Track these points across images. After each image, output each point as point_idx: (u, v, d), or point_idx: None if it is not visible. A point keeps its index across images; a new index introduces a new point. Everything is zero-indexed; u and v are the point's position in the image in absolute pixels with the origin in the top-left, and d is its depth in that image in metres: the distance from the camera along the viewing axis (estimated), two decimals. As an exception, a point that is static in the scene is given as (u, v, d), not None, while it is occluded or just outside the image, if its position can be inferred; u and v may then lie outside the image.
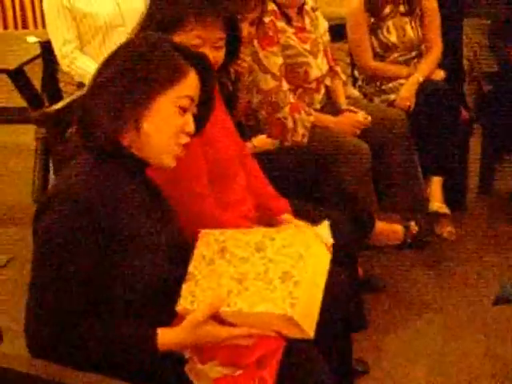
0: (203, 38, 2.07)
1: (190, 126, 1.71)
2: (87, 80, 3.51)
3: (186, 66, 1.70)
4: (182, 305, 1.64)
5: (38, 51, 4.09)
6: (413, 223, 3.12)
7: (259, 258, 1.64)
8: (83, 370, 1.53)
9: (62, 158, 2.32)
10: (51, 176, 4.18)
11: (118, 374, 1.54)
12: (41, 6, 4.44)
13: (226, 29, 2.12)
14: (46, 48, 3.91)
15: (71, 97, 2.59)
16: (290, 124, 3.01)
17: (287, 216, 2.32)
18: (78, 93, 2.58)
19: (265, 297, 1.57)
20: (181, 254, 1.72)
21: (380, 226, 3.03)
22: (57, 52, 3.70)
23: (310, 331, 1.62)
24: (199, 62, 1.75)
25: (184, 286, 1.66)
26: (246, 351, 1.63)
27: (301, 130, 3.03)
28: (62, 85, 4.03)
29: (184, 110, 1.69)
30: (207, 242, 1.72)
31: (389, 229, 3.08)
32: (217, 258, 1.69)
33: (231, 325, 1.62)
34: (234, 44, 2.19)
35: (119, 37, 3.73)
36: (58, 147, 2.40)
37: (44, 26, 3.92)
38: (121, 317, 1.62)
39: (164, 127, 1.68)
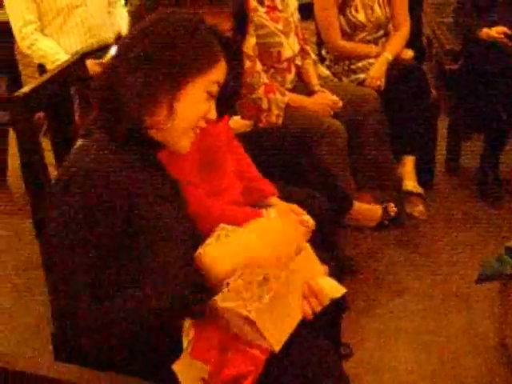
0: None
1: (212, 113, 1.68)
2: (49, 62, 3.49)
3: (219, 51, 1.66)
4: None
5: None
6: (392, 204, 3.11)
7: None
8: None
9: (30, 144, 2.24)
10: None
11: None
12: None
13: (235, 18, 2.12)
14: (4, 29, 3.78)
15: (38, 80, 2.50)
16: (264, 105, 2.97)
17: (275, 199, 2.29)
18: (45, 76, 2.48)
19: (237, 295, 1.56)
20: (198, 242, 1.67)
21: (358, 205, 3.02)
22: (16, 33, 3.59)
23: (274, 343, 1.59)
24: (228, 45, 1.71)
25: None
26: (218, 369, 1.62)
27: (275, 111, 2.99)
28: (20, 68, 3.90)
29: (211, 96, 1.66)
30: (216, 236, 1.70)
31: (367, 209, 3.06)
32: None
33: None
34: (241, 33, 2.20)
35: (80, 17, 3.65)
36: (26, 132, 2.31)
37: (2, 6, 3.79)
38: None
39: (192, 111, 1.63)
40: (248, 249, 1.59)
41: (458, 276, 3.13)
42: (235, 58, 1.77)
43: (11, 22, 3.59)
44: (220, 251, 1.58)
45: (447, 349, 2.74)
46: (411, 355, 2.72)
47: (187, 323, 1.66)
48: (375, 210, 3.09)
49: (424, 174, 3.71)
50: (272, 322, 1.58)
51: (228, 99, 1.79)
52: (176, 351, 1.61)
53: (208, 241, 1.65)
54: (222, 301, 1.57)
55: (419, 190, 3.48)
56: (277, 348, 1.59)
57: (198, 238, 1.70)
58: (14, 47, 3.84)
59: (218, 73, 1.66)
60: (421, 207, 3.51)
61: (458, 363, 2.67)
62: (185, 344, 1.64)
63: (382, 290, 3.11)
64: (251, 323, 1.55)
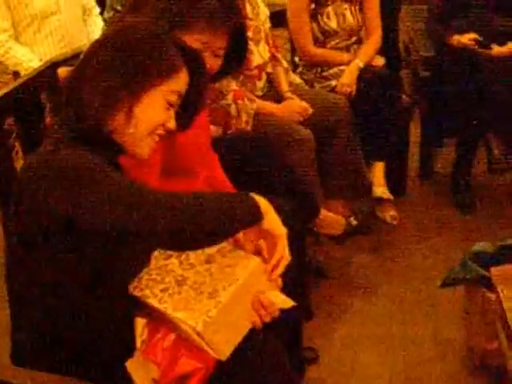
0: (207, 44, 2.13)
1: (171, 123, 1.71)
2: (23, 69, 3.51)
3: (180, 62, 1.70)
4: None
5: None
6: (352, 218, 3.15)
7: (204, 269, 1.69)
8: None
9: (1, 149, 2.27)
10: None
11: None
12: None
13: (231, 38, 2.17)
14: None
15: (7, 87, 2.53)
16: (233, 111, 2.98)
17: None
18: (15, 83, 2.52)
19: (188, 306, 1.61)
20: None
21: (324, 214, 3.04)
22: (-10, 41, 3.60)
23: (220, 354, 1.64)
24: (193, 60, 1.75)
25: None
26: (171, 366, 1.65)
27: (244, 117, 3.01)
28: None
29: (171, 105, 1.69)
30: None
31: (332, 218, 3.09)
32: (174, 257, 1.74)
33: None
34: (239, 52, 2.25)
35: (54, 25, 3.67)
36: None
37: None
38: None
39: (150, 117, 1.67)
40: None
41: (428, 281, 3.14)
42: (199, 70, 1.79)
43: (-15, 30, 3.61)
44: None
45: (414, 354, 2.77)
46: (378, 360, 2.74)
47: (141, 323, 1.69)
48: (339, 220, 3.12)
49: (396, 180, 3.74)
50: (219, 334, 1.62)
51: (190, 111, 1.82)
52: (128, 352, 1.64)
53: None
54: (173, 310, 1.61)
55: (389, 195, 3.51)
56: (223, 358, 1.64)
57: None
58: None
59: (178, 83, 1.70)
60: (392, 212, 3.54)
61: (424, 368, 2.70)
62: (138, 344, 1.68)
63: (351, 295, 3.13)
64: (198, 334, 1.58)
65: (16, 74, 3.64)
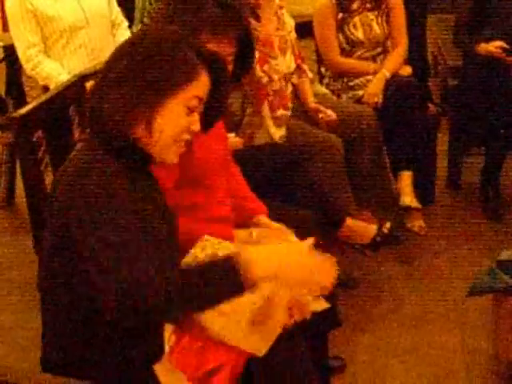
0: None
1: (196, 126, 1.71)
2: (52, 83, 3.56)
3: (199, 67, 1.69)
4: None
5: (1, 55, 4.04)
6: (388, 223, 3.11)
7: None
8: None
9: (30, 162, 2.31)
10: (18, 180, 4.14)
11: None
12: (4, 10, 4.39)
13: (237, 44, 2.18)
14: (10, 52, 3.86)
15: (36, 100, 2.57)
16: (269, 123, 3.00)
17: (264, 218, 2.32)
18: (44, 97, 2.55)
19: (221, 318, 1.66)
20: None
21: (351, 222, 3.03)
22: (21, 56, 3.66)
23: (257, 350, 1.69)
24: (212, 61, 1.74)
25: None
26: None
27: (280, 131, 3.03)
28: (26, 89, 3.98)
29: (192, 111, 1.69)
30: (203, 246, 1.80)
31: (361, 226, 3.07)
32: None
33: None
34: (247, 58, 2.25)
35: (83, 39, 3.71)
36: (25, 151, 2.38)
37: (7, 29, 3.87)
38: None
39: (171, 126, 1.67)
40: (282, 264, 1.59)
41: (456, 291, 3.13)
42: (220, 73, 1.78)
43: (15, 45, 3.66)
44: (257, 255, 1.58)
45: (441, 363, 2.75)
46: (405, 370, 2.73)
47: (168, 331, 1.71)
48: (369, 228, 3.10)
49: (425, 189, 3.73)
50: (254, 339, 1.66)
51: (212, 114, 1.83)
52: (156, 358, 1.67)
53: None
54: (210, 323, 1.65)
55: (417, 204, 3.49)
56: (260, 354, 1.68)
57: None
58: (20, 69, 3.92)
59: (198, 88, 1.69)
60: (420, 222, 3.53)
61: (451, 378, 2.68)
62: (166, 349, 1.69)
63: (378, 304, 3.13)
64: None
65: (45, 88, 3.68)
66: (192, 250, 1.79)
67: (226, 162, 2.37)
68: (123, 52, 1.68)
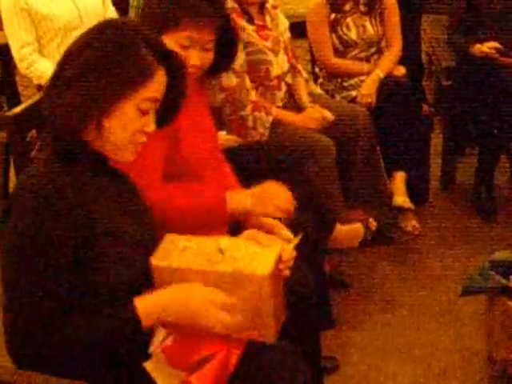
0: (195, 39, 2.14)
1: (150, 127, 1.71)
2: (46, 82, 3.55)
3: (154, 66, 1.67)
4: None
5: (-5, 54, 4.04)
6: (371, 219, 3.13)
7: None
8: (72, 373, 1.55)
9: (24, 161, 2.31)
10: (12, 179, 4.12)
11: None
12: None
13: (218, 31, 2.18)
14: (4, 51, 3.86)
15: (31, 100, 2.56)
16: (249, 123, 2.99)
17: (274, 221, 2.31)
18: (38, 96, 2.55)
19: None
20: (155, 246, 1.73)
21: (338, 228, 3.02)
22: (15, 54, 3.66)
23: (269, 336, 1.72)
24: (169, 58, 1.72)
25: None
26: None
27: (260, 129, 3.01)
28: (20, 88, 3.98)
29: (144, 113, 1.68)
30: (172, 240, 1.77)
31: (347, 230, 3.07)
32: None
33: None
34: (229, 46, 2.27)
35: (78, 38, 3.71)
36: (19, 150, 2.38)
37: (1, 28, 3.87)
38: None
39: (122, 128, 1.66)
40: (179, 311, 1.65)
41: (450, 291, 3.14)
42: (177, 71, 1.77)
43: (10, 44, 3.67)
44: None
45: (435, 363, 2.76)
46: (398, 370, 2.74)
47: (161, 334, 1.70)
48: (356, 229, 3.09)
49: (418, 189, 3.74)
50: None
51: (170, 111, 1.82)
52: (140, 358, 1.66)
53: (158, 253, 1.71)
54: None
55: (409, 204, 3.49)
56: (272, 340, 1.74)
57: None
58: (14, 68, 3.91)
59: (153, 89, 1.67)
60: (414, 222, 3.53)
61: (445, 378, 2.69)
62: (152, 348, 1.68)
63: (372, 304, 3.13)
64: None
65: (39, 87, 3.68)
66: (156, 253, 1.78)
67: (216, 160, 2.37)
68: (78, 50, 1.66)
